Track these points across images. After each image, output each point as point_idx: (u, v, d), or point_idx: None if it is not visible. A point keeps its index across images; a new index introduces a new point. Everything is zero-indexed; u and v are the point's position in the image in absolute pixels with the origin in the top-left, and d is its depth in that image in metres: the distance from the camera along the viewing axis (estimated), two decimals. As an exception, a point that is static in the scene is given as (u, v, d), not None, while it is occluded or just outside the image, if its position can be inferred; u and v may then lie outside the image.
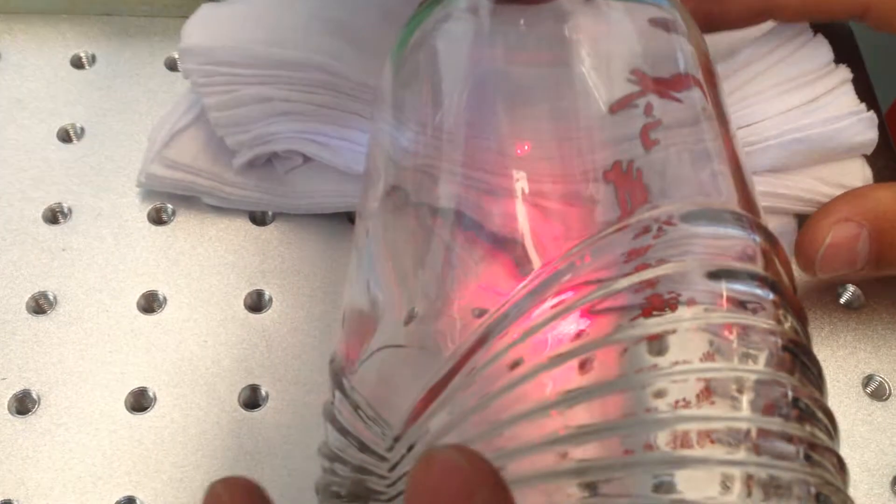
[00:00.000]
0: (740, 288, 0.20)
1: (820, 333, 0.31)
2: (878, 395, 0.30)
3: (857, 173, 0.32)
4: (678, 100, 0.24)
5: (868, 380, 0.30)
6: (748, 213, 0.21)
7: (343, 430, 0.21)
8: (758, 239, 0.21)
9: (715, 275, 0.20)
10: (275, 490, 0.27)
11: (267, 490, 0.27)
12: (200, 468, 0.27)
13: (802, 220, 0.33)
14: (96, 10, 0.36)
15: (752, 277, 0.20)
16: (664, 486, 0.18)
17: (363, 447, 0.21)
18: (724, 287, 0.20)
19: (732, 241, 0.21)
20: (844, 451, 0.28)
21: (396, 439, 0.20)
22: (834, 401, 0.30)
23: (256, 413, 0.28)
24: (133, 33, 0.36)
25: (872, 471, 0.28)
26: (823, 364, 0.30)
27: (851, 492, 0.28)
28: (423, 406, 0.20)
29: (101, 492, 0.27)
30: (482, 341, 0.20)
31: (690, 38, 0.26)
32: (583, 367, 0.20)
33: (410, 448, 0.20)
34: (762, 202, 0.31)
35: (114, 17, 0.36)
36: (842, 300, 0.32)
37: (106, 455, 0.27)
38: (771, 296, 0.20)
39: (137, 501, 0.27)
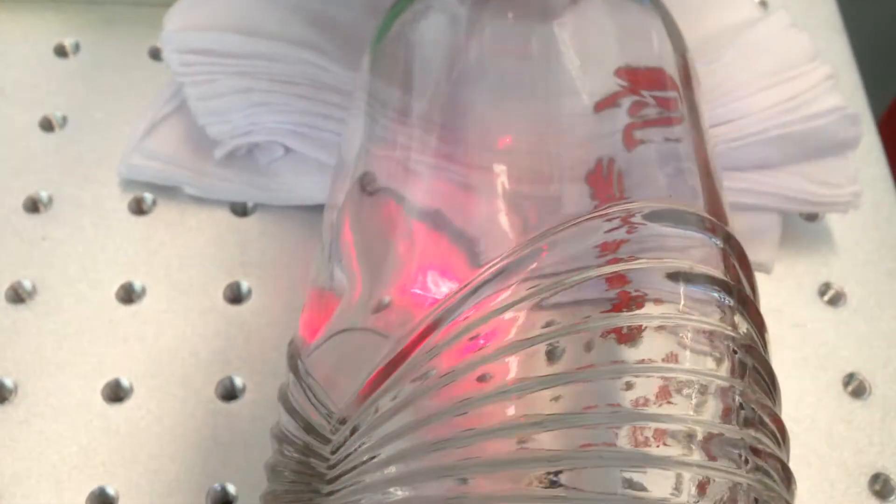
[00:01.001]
0: (697, 291, 0.20)
1: (802, 331, 0.31)
2: (858, 393, 0.30)
3: (843, 171, 0.31)
4: (656, 101, 0.24)
5: (849, 378, 0.30)
6: (713, 216, 0.21)
7: (292, 411, 0.21)
8: (719, 243, 0.21)
9: (674, 276, 0.20)
10: (250, 482, 0.27)
11: (242, 482, 0.27)
12: (176, 460, 0.27)
13: (788, 222, 0.33)
14: (80, -2, 0.36)
15: (710, 281, 0.20)
16: (633, 484, 0.18)
17: (309, 428, 0.21)
18: (682, 289, 0.20)
19: (694, 243, 0.21)
20: (823, 451, 0.29)
21: (342, 421, 0.20)
22: (814, 399, 0.30)
23: (233, 405, 0.28)
24: (117, 22, 0.36)
25: (851, 470, 0.28)
26: (804, 362, 0.30)
27: (829, 490, 0.28)
28: (370, 388, 0.20)
29: (76, 481, 0.27)
30: (436, 324, 0.20)
31: (671, 38, 0.26)
32: (548, 355, 0.20)
33: (354, 431, 0.20)
34: (746, 199, 0.32)
35: (98, 5, 0.36)
36: (824, 298, 0.32)
37: (81, 445, 0.27)
38: (728, 300, 0.20)
39: (112, 491, 0.27)
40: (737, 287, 0.21)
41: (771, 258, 0.32)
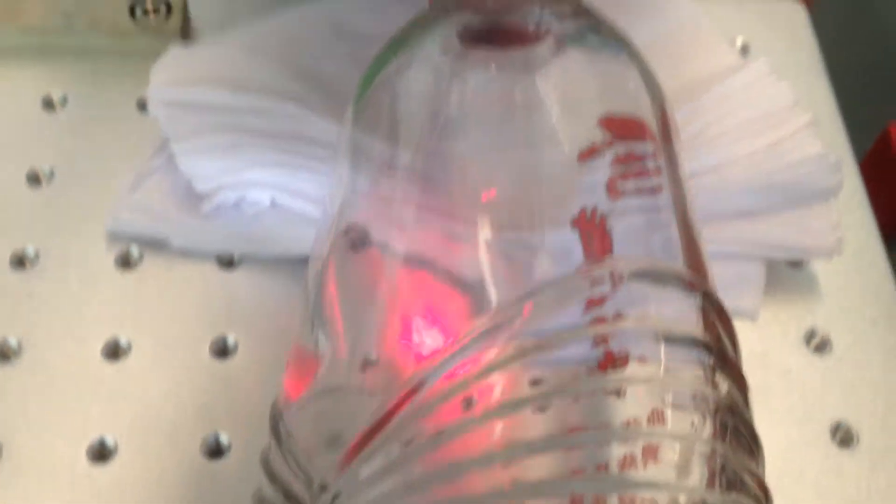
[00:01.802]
0: (679, 352, 0.20)
1: (787, 379, 0.31)
2: (846, 442, 0.30)
3: (825, 218, 0.32)
4: (636, 152, 0.25)
5: (836, 427, 0.30)
6: (693, 273, 0.22)
7: (272, 477, 0.21)
8: (699, 301, 0.21)
9: (657, 337, 0.20)
10: (235, 542, 0.27)
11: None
12: (161, 519, 0.27)
13: (771, 268, 0.33)
14: (69, 50, 0.36)
15: (691, 341, 0.20)
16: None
17: (289, 495, 0.21)
18: (664, 349, 0.20)
19: (676, 303, 0.21)
20: (810, 502, 0.28)
21: (323, 489, 0.20)
22: (801, 449, 0.30)
23: (219, 463, 0.28)
24: (105, 74, 0.36)
25: (839, 520, 0.28)
26: (790, 411, 0.30)
27: (817, 542, 0.28)
28: (353, 452, 0.20)
29: (60, 543, 0.27)
30: (420, 384, 0.20)
31: (649, 88, 0.26)
32: (536, 408, 0.20)
33: (335, 498, 0.20)
34: (729, 248, 0.32)
35: (86, 57, 0.36)
36: (810, 345, 0.32)
37: (66, 506, 0.27)
38: (708, 360, 0.20)
39: (96, 554, 0.27)
40: (717, 346, 0.21)
41: (755, 305, 0.32)
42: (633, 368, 0.20)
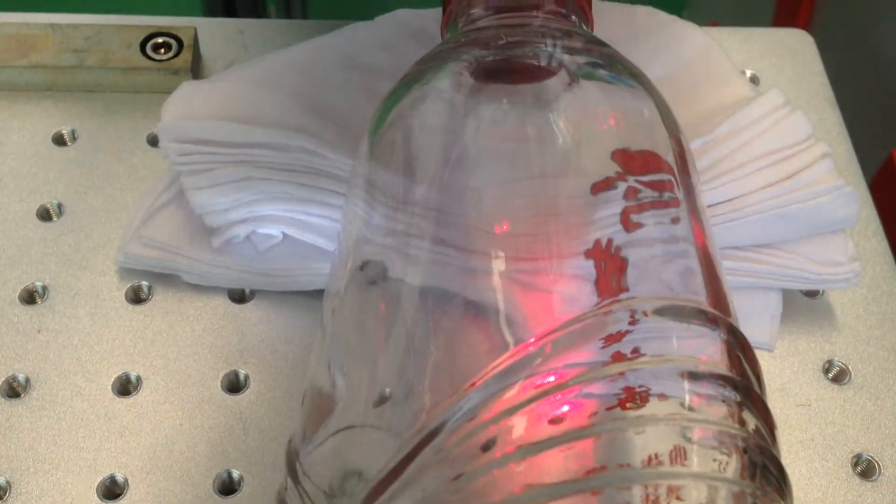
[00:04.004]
0: (704, 389, 0.20)
1: (807, 410, 0.31)
2: (868, 474, 0.29)
3: (842, 248, 0.31)
4: (652, 184, 0.24)
5: (857, 459, 0.30)
6: (716, 308, 0.21)
7: None
8: (724, 336, 0.21)
9: (680, 374, 0.19)
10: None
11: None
12: (172, 559, 0.27)
13: (788, 298, 0.33)
14: (79, 86, 0.36)
15: (716, 378, 0.20)
16: None
17: None
18: (688, 387, 0.19)
19: (699, 338, 0.21)
20: (834, 536, 0.28)
21: None
22: (822, 482, 0.29)
23: (232, 500, 0.28)
24: (116, 110, 0.36)
25: (864, 555, 0.28)
26: (811, 443, 0.30)
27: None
28: (379, 490, 0.20)
29: (69, 585, 0.26)
30: (442, 425, 0.20)
31: (665, 122, 0.26)
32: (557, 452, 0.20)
33: None
34: (746, 278, 0.32)
35: (97, 93, 0.37)
36: (828, 375, 0.32)
37: (76, 546, 0.27)
38: (735, 396, 0.20)
39: None
40: (743, 382, 0.20)
41: (773, 336, 0.32)
42: (653, 405, 0.20)
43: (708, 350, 0.21)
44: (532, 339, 0.20)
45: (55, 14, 0.38)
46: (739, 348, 0.22)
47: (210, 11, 0.80)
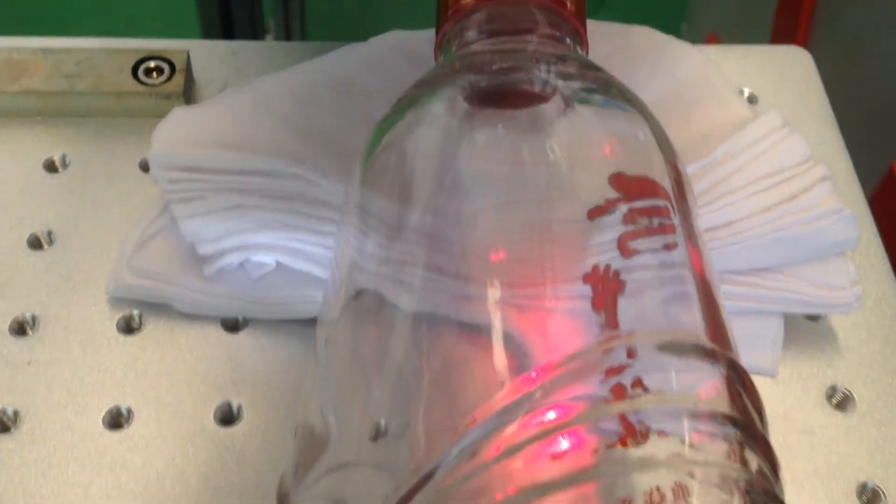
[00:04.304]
0: (705, 426, 0.19)
1: (811, 438, 0.30)
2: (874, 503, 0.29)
3: (843, 271, 0.31)
4: (649, 210, 0.24)
5: (863, 488, 0.29)
6: (715, 341, 0.21)
7: None
8: (724, 371, 0.20)
9: (678, 412, 0.19)
10: None
11: None
12: None
13: (789, 321, 0.32)
14: (71, 111, 0.36)
15: (717, 417, 0.19)
16: None
17: None
18: (688, 425, 0.19)
19: (698, 375, 0.20)
20: (839, 568, 0.27)
21: None
22: (827, 512, 0.29)
23: (224, 536, 0.27)
24: (108, 134, 0.36)
25: (870, 587, 0.27)
26: (815, 472, 0.29)
27: None
28: None
29: None
30: (437, 468, 0.19)
31: (661, 146, 0.26)
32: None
33: None
34: (746, 303, 0.31)
35: (88, 118, 0.36)
36: (832, 401, 0.31)
37: (65, 584, 0.26)
38: (736, 435, 0.19)
39: None
40: (744, 419, 0.20)
41: (774, 362, 0.31)
42: (654, 442, 0.20)
43: (708, 385, 0.21)
44: (532, 374, 0.20)
45: (46, 38, 0.37)
46: (740, 383, 0.21)
47: (208, 33, 0.80)
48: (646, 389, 0.21)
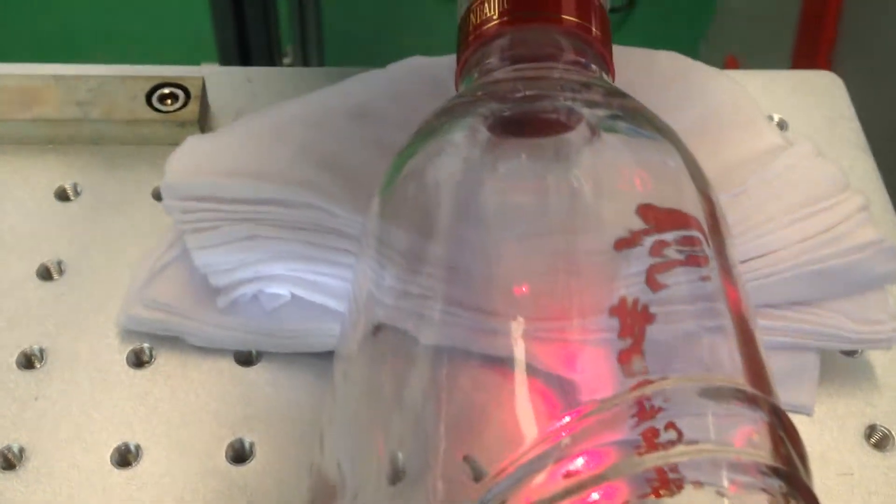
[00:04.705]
0: (743, 477, 0.18)
1: (849, 480, 0.29)
2: (918, 551, 0.27)
3: (882, 305, 0.30)
4: (681, 242, 0.23)
5: (905, 533, 0.28)
6: (755, 385, 0.20)
7: None
8: (766, 418, 0.19)
9: (717, 462, 0.18)
10: None
11: None
12: None
13: (826, 357, 0.31)
14: (83, 139, 0.35)
15: (759, 469, 0.18)
16: None
17: None
18: (726, 475, 0.18)
19: (738, 421, 0.19)
20: None
21: None
22: (869, 560, 0.27)
23: (235, 582, 0.26)
24: (120, 163, 0.35)
25: None
26: (856, 516, 0.28)
27: None
28: None
29: None
30: None
31: (693, 176, 0.25)
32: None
33: None
34: (782, 338, 0.30)
35: (101, 146, 0.36)
36: (871, 440, 0.30)
37: None
38: (779, 486, 0.18)
39: None
40: (788, 470, 0.19)
41: (811, 399, 0.30)
42: (688, 493, 0.18)
43: (748, 432, 0.19)
44: (561, 422, 0.19)
45: (59, 65, 0.37)
46: (782, 429, 0.20)
47: (225, 59, 0.80)
48: (680, 434, 0.20)
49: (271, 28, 0.81)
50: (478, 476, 0.19)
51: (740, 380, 0.20)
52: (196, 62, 0.39)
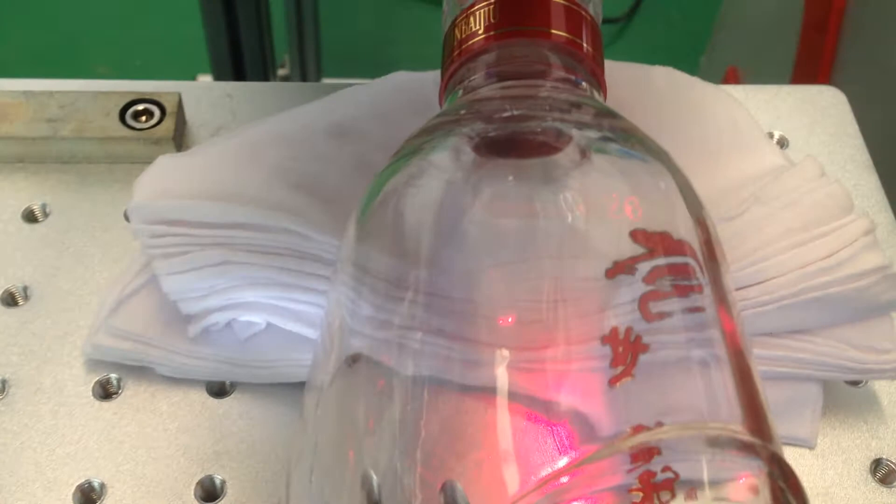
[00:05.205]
0: None
1: (855, 520, 0.27)
2: None
3: (887, 334, 0.28)
4: (674, 269, 0.22)
5: (915, 577, 0.26)
6: (754, 430, 0.18)
7: None
8: (765, 468, 0.18)
9: None
10: None
11: None
12: None
13: (828, 387, 0.29)
14: (53, 157, 0.34)
15: None
16: None
17: None
18: None
19: (736, 471, 0.18)
20: None
21: None
22: None
23: None
24: (91, 182, 0.34)
25: None
26: (862, 559, 0.26)
27: None
28: None
29: None
30: None
31: (686, 200, 0.23)
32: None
33: None
34: (782, 368, 0.28)
35: (72, 165, 0.34)
36: (876, 475, 0.28)
37: None
38: None
39: None
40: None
41: (813, 432, 0.29)
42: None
43: (747, 485, 0.18)
44: (557, 468, 0.18)
45: (29, 80, 0.35)
46: (783, 479, 0.18)
47: (219, 71, 0.79)
48: (676, 476, 0.19)
49: (265, 39, 0.80)
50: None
51: (738, 425, 0.19)
52: (191, 75, 0.37)
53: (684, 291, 0.22)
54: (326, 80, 0.96)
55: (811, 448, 0.29)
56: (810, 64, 0.77)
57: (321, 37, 0.93)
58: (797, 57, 0.78)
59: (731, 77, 0.90)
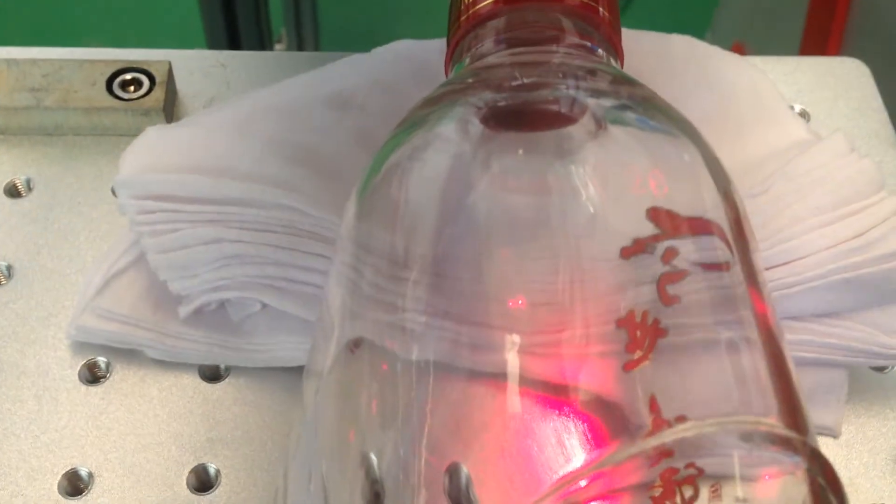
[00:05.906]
0: None
1: (882, 515, 0.26)
2: None
3: (919, 317, 0.27)
4: (699, 248, 0.20)
5: (945, 575, 0.25)
6: (791, 424, 0.17)
7: None
8: (802, 463, 0.17)
9: None
10: None
11: None
12: None
13: (855, 373, 0.28)
14: (36, 129, 0.32)
15: None
16: None
17: None
18: None
19: (772, 469, 0.16)
20: None
21: None
22: None
23: None
24: (77, 155, 0.32)
25: None
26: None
27: None
28: None
29: None
30: None
31: (713, 174, 0.22)
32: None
33: None
34: (806, 353, 0.27)
35: (56, 137, 0.32)
36: (905, 469, 0.27)
37: None
38: None
39: None
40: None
41: (838, 420, 0.27)
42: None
43: (782, 478, 0.17)
44: (577, 467, 0.17)
45: (11, 48, 0.34)
46: (823, 476, 0.17)
47: (214, 45, 0.77)
48: (700, 472, 0.18)
49: (261, 13, 0.78)
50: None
51: (773, 418, 0.17)
52: (188, 48, 0.35)
53: (711, 271, 0.20)
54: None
55: (836, 437, 0.27)
56: (819, 37, 0.75)
57: (319, 10, 0.91)
58: (805, 30, 0.77)
59: (736, 52, 0.89)
